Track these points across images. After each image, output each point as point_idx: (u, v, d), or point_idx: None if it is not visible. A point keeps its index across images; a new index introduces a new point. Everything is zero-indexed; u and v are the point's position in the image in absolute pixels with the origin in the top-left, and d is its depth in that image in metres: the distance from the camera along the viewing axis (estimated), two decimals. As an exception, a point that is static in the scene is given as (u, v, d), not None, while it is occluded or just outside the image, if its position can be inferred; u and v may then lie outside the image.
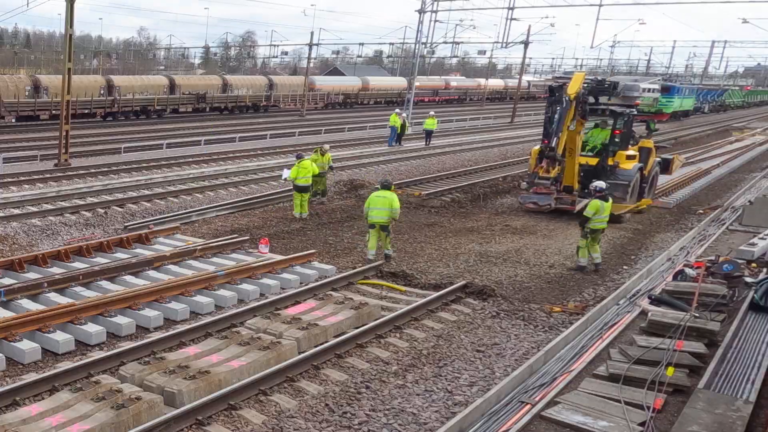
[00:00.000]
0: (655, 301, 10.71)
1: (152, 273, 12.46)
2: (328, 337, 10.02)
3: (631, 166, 19.06)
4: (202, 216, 17.60)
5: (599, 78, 21.32)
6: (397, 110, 35.61)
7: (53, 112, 40.42)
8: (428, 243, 15.88)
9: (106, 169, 23.89)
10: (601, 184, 14.58)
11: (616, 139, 19.44)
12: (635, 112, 20.00)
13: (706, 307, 9.99)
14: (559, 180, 17.44)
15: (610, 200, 14.27)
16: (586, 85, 18.28)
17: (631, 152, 19.42)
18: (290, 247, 15.00)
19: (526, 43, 52.97)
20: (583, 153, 19.09)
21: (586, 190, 17.85)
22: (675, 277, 11.89)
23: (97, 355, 9.02)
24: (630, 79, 24.45)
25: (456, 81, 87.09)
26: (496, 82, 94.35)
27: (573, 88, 16.91)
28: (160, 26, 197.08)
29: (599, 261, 14.17)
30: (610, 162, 18.88)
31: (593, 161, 19.06)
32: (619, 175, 18.65)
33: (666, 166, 22.24)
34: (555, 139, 16.60)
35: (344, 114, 58.02)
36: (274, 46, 74.32)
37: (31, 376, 8.30)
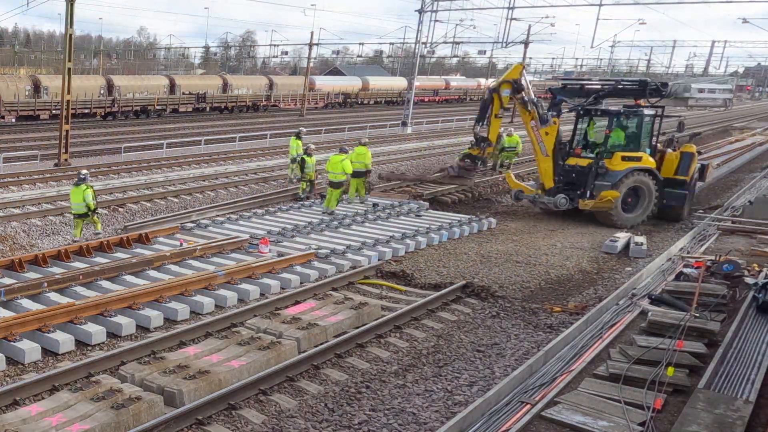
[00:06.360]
0: (655, 301, 10.71)
1: (152, 273, 12.46)
2: (328, 336, 10.02)
3: (624, 167, 18.06)
4: (202, 216, 17.58)
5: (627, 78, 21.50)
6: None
7: (53, 111, 40.49)
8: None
9: (106, 169, 23.90)
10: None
11: (616, 140, 18.58)
12: (643, 112, 18.53)
13: (706, 307, 9.99)
14: (483, 160, 20.13)
15: (343, 155, 17.81)
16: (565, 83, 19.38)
17: (630, 155, 18.26)
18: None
19: (526, 43, 53.00)
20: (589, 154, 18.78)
21: (578, 192, 18.29)
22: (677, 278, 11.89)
23: (97, 355, 9.03)
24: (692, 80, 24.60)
25: (456, 81, 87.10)
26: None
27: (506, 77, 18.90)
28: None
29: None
30: (605, 163, 18.20)
31: (584, 162, 18.58)
32: (605, 177, 18.06)
33: (702, 174, 20.80)
34: (479, 125, 19.53)
35: (344, 114, 57.99)
36: (274, 46, 74.45)
37: (31, 376, 8.31)
